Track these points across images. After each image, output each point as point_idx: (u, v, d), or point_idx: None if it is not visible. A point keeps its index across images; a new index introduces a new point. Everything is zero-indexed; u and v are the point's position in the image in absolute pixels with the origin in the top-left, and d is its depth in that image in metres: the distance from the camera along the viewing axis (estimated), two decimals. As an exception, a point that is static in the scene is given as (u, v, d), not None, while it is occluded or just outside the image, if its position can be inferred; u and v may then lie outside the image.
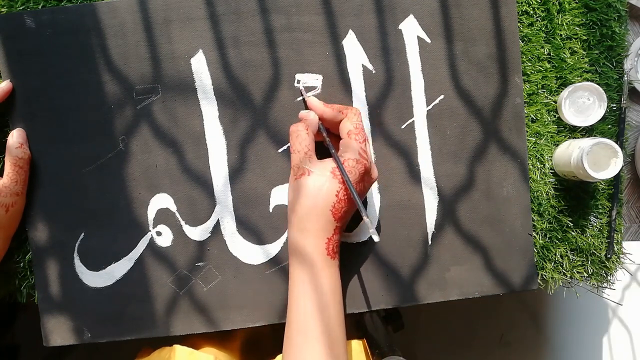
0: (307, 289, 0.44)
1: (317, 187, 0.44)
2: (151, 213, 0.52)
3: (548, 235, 0.54)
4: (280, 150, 0.52)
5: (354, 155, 0.44)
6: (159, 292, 0.52)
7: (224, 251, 0.52)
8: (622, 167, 0.49)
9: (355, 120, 0.46)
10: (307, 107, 0.51)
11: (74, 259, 0.52)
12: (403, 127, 0.52)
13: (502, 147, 0.53)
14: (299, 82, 0.51)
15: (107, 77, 0.51)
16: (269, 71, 0.52)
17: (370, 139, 0.52)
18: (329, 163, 0.45)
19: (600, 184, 0.54)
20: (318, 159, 0.46)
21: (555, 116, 0.54)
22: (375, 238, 0.43)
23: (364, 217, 0.43)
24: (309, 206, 0.44)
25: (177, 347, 0.52)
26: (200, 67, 0.51)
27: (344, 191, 0.44)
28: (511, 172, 0.53)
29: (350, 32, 0.52)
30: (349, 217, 0.47)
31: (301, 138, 0.45)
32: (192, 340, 0.55)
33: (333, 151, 0.45)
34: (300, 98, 0.52)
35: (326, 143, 0.47)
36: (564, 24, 0.53)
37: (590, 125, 0.52)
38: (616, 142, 0.49)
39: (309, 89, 0.52)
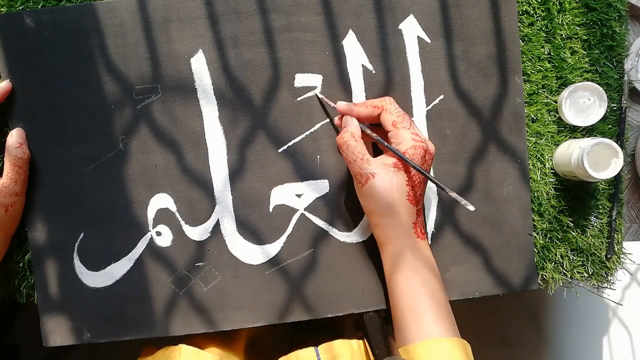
0: (407, 274, 0.45)
1: (387, 185, 0.44)
2: (151, 213, 0.52)
3: (548, 236, 0.54)
4: (280, 150, 0.52)
5: (409, 143, 0.45)
6: (158, 292, 0.52)
7: (223, 251, 0.52)
8: (623, 167, 0.49)
9: (394, 109, 0.47)
10: (325, 111, 0.52)
11: (73, 259, 0.52)
12: (403, 127, 0.52)
13: (502, 147, 0.53)
14: (306, 90, 0.51)
15: (107, 77, 0.51)
16: (268, 71, 0.52)
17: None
18: (386, 159, 0.45)
19: (601, 184, 0.54)
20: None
21: (555, 116, 0.53)
22: (471, 207, 0.43)
23: (450, 193, 0.43)
24: (386, 205, 0.45)
25: (183, 347, 0.52)
26: (200, 67, 0.51)
27: (413, 177, 0.45)
28: (511, 172, 0.53)
29: (350, 32, 0.51)
30: (424, 195, 0.49)
31: (352, 147, 0.46)
32: (197, 340, 0.55)
33: (387, 144, 0.46)
34: (323, 99, 0.51)
35: (376, 139, 0.47)
36: (565, 23, 0.53)
37: (591, 125, 0.52)
38: (616, 142, 0.49)
39: (308, 89, 0.52)
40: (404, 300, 0.45)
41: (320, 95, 0.51)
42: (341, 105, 0.49)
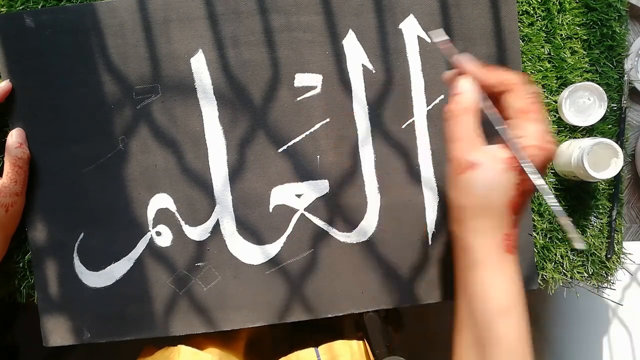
0: (482, 293, 0.38)
1: (489, 183, 0.36)
2: (151, 213, 0.52)
3: (548, 236, 0.54)
4: (280, 150, 0.52)
5: (534, 140, 0.36)
6: (158, 292, 0.52)
7: (223, 251, 0.52)
8: (623, 167, 0.49)
9: (531, 100, 0.37)
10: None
11: (73, 259, 0.52)
12: (403, 127, 0.52)
13: (502, 147, 0.53)
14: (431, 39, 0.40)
15: (107, 77, 0.51)
16: (268, 71, 0.51)
17: (371, 139, 0.52)
18: (498, 150, 0.37)
19: (601, 184, 0.54)
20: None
21: (555, 116, 0.53)
22: (580, 245, 0.36)
23: (562, 219, 0.36)
24: (481, 206, 0.37)
25: (182, 347, 0.52)
26: (200, 66, 0.51)
27: (523, 183, 0.36)
28: (511, 172, 0.53)
29: (350, 31, 0.51)
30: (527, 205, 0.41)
31: (464, 123, 0.37)
32: (196, 341, 0.55)
33: (509, 136, 0.37)
34: (443, 48, 0.41)
35: (495, 121, 0.38)
36: (565, 23, 0.53)
37: (591, 125, 0.52)
38: (616, 142, 0.49)
39: (308, 88, 0.52)
40: (470, 328, 0.38)
41: (436, 40, 0.40)
42: (464, 59, 0.39)
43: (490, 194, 0.37)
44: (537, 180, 0.36)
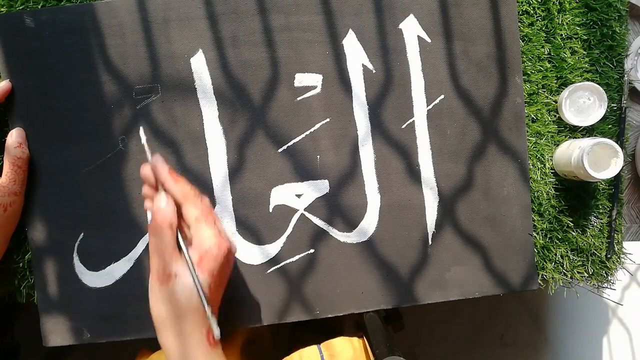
0: None
1: (188, 289, 0.40)
2: (151, 213, 0.52)
3: (548, 236, 0.54)
4: (280, 150, 0.52)
5: (211, 239, 0.41)
6: (158, 292, 0.52)
7: (223, 251, 0.52)
8: (623, 167, 0.49)
9: (198, 203, 0.42)
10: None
11: (73, 259, 0.52)
12: (403, 127, 0.52)
13: (502, 147, 0.53)
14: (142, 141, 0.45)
15: (107, 77, 0.51)
16: (268, 71, 0.51)
17: (370, 139, 0.52)
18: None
19: (601, 184, 0.54)
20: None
21: (555, 116, 0.53)
22: (217, 333, 0.41)
23: (210, 319, 0.40)
24: (184, 310, 0.40)
25: None
26: (200, 66, 0.51)
27: (214, 279, 0.41)
28: (511, 172, 0.53)
29: (350, 31, 0.51)
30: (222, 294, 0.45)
31: (169, 236, 0.40)
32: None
33: (188, 258, 0.41)
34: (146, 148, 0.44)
35: (180, 243, 0.41)
36: (565, 23, 0.53)
37: (591, 125, 0.52)
38: (616, 142, 0.49)
39: (308, 88, 0.52)
40: None
41: (145, 144, 0.44)
42: (158, 165, 0.43)
43: (191, 298, 0.40)
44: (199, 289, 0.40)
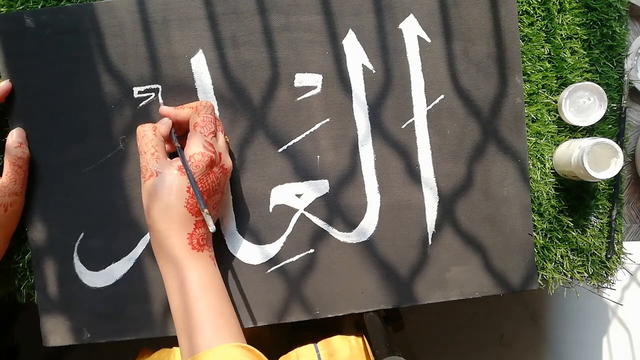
0: (174, 286, 0.44)
1: (167, 187, 0.43)
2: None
3: (548, 236, 0.54)
4: (280, 150, 0.52)
5: (198, 148, 0.44)
6: (158, 292, 0.52)
7: (223, 251, 0.52)
8: (623, 167, 0.49)
9: (204, 113, 0.47)
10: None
11: (73, 259, 0.52)
12: (403, 127, 0.52)
13: (502, 147, 0.53)
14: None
15: (107, 77, 0.51)
16: (268, 71, 0.52)
17: (370, 139, 0.52)
18: (176, 161, 0.45)
19: (601, 184, 0.54)
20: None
21: (555, 116, 0.53)
22: (211, 228, 0.42)
23: (203, 212, 0.43)
24: (163, 207, 0.43)
25: (177, 350, 0.52)
26: (200, 67, 0.51)
27: (197, 185, 0.44)
28: (511, 172, 0.53)
29: (350, 31, 0.51)
30: (216, 207, 0.48)
31: (147, 138, 0.45)
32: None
33: (178, 146, 0.46)
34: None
35: (175, 148, 0.46)
36: (565, 23, 0.53)
37: (591, 125, 0.52)
38: (616, 142, 0.49)
39: (308, 88, 0.52)
40: (180, 317, 0.44)
41: (161, 101, 0.51)
42: (163, 108, 0.48)
43: (169, 196, 0.43)
44: (190, 178, 0.43)
